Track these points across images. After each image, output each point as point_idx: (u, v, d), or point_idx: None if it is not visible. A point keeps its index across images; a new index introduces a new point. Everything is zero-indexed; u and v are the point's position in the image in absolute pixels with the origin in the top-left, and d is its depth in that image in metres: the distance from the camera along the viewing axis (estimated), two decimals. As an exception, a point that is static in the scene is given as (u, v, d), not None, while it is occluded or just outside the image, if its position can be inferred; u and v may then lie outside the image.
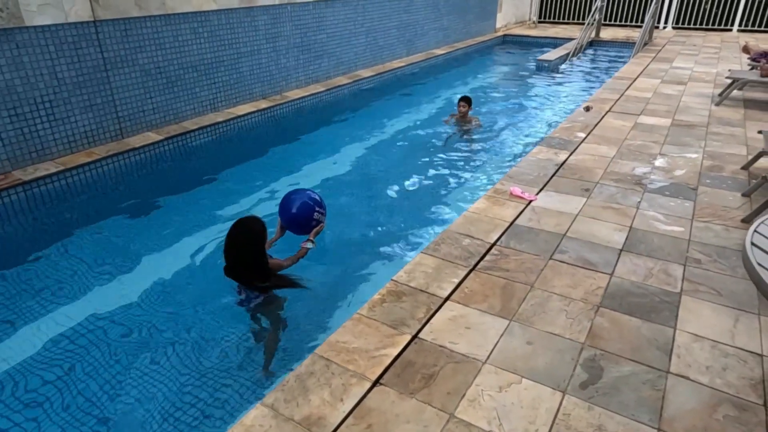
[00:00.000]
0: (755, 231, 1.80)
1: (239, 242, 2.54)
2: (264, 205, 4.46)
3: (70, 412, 2.43)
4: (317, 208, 3.29)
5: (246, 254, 2.54)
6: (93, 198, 4.68)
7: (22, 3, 4.29)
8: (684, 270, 3.04)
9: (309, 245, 3.10)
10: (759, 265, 1.66)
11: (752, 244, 1.74)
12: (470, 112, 6.41)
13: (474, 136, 6.23)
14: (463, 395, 2.15)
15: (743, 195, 4.00)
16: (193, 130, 5.81)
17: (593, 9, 12.12)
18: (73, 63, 4.78)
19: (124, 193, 4.82)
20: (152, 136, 5.51)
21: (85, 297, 3.24)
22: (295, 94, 7.40)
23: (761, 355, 2.38)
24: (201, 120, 6.09)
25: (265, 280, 2.65)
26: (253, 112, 6.56)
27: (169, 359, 2.75)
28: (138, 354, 2.78)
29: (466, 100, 6.27)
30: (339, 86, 8.07)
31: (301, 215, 3.26)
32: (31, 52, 4.45)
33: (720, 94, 6.86)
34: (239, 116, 6.37)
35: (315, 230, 3.21)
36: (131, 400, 2.49)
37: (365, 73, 8.88)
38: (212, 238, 3.87)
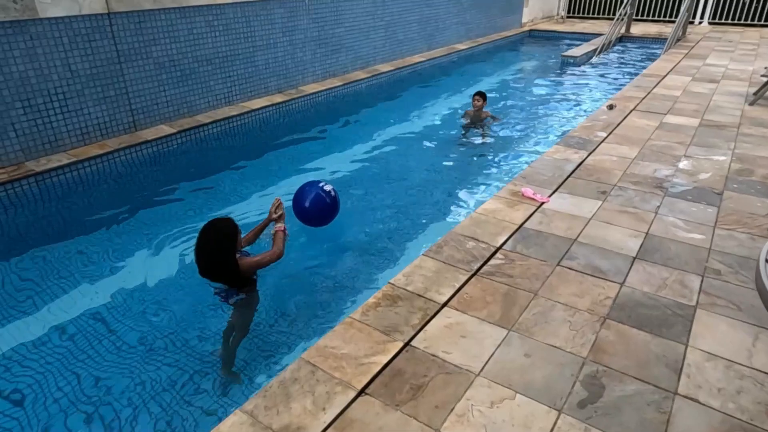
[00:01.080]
0: (773, 246, 1.63)
1: (209, 246, 2.45)
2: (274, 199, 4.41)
3: (45, 407, 2.41)
4: (324, 189, 3.46)
5: (216, 256, 2.45)
6: (104, 190, 4.70)
7: (36, -5, 4.32)
8: (702, 281, 2.85)
9: (281, 228, 2.86)
10: (772, 283, 1.50)
11: (767, 260, 1.57)
12: (486, 108, 6.22)
13: (490, 133, 6.04)
14: (452, 409, 2.03)
15: (772, 201, 3.76)
16: (207, 124, 5.80)
17: (624, 2, 11.67)
18: (87, 55, 4.80)
19: (136, 185, 4.83)
20: (165, 129, 5.52)
21: (88, 290, 3.23)
22: (311, 88, 7.33)
23: (781, 378, 2.20)
24: (215, 113, 6.08)
25: (236, 283, 2.59)
26: (268, 107, 6.53)
27: (148, 355, 2.70)
28: (121, 345, 2.75)
29: (480, 94, 6.08)
30: (356, 81, 7.97)
31: (317, 206, 3.41)
32: (45, 44, 4.48)
33: (755, 93, 6.51)
34: (254, 110, 6.34)
35: (278, 213, 2.99)
36: (101, 401, 2.44)
37: (384, 67, 8.76)
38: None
